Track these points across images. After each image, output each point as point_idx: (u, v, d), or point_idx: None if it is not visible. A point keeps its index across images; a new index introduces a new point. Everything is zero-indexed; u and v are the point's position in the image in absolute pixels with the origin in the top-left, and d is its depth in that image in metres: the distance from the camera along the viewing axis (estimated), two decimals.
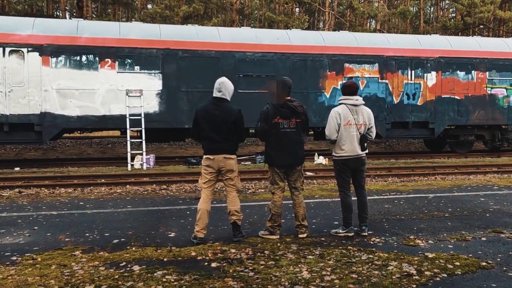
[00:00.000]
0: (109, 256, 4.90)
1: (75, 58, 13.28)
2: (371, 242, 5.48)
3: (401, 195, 8.68)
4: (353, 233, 5.77)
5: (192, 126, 5.61)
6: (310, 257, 4.87)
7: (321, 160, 14.56)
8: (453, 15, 41.46)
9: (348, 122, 5.71)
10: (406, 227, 6.24)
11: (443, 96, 16.27)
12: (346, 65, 15.38)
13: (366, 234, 5.76)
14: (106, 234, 5.88)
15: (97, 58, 13.41)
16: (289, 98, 5.55)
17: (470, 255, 4.98)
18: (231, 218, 5.56)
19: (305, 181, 5.87)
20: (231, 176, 5.53)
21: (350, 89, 5.84)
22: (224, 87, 5.48)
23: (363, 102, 5.86)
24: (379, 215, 7.00)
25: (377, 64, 15.64)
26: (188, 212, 7.17)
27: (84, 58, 13.36)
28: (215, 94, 5.51)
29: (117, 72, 13.53)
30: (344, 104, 5.78)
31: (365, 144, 5.83)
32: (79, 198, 8.48)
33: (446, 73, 16.25)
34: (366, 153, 5.90)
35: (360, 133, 5.75)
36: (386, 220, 6.67)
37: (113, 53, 13.47)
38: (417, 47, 16.12)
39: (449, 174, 11.60)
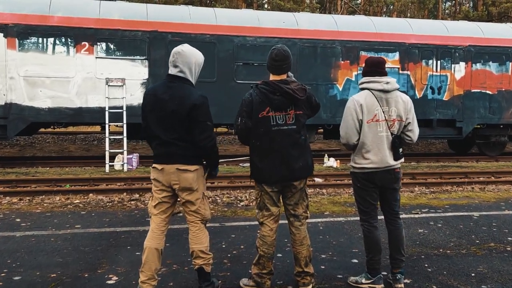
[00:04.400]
0: None
1: (47, 40, 11.42)
2: None
3: (436, 213, 6.71)
4: (382, 285, 3.82)
5: (142, 119, 3.63)
6: None
7: (331, 162, 12.58)
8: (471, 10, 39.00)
9: (375, 117, 3.76)
10: (457, 270, 4.27)
11: (472, 91, 14.18)
12: (362, 53, 13.34)
13: (402, 286, 3.81)
14: (16, 278, 4.00)
15: (72, 41, 11.53)
16: (284, 77, 3.61)
17: None
18: (196, 263, 3.63)
19: (309, 202, 3.89)
20: (190, 199, 3.55)
21: (376, 66, 3.88)
22: (181, 59, 3.50)
23: (397, 86, 3.90)
24: (414, 246, 5.04)
25: (397, 53, 13.60)
26: None
27: (57, 40, 11.50)
28: (170, 70, 3.59)
29: (96, 57, 11.63)
30: (369, 89, 3.83)
31: (400, 150, 3.86)
32: (21, 211, 6.61)
33: (477, 64, 14.15)
34: (401, 163, 3.95)
35: (392, 134, 3.80)
36: (426, 256, 4.71)
37: (91, 35, 11.58)
38: (444, 34, 14.04)
39: (487, 184, 9.57)
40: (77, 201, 7.37)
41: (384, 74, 3.89)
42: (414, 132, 3.90)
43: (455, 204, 7.43)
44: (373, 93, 3.80)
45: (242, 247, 5.01)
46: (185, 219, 3.70)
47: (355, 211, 6.74)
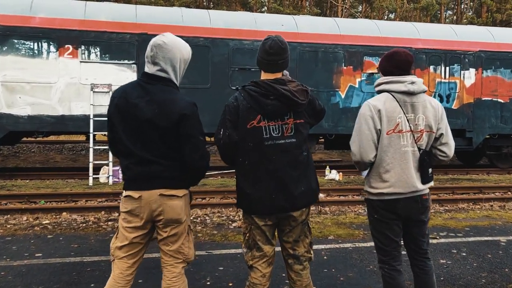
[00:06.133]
0: None
1: (27, 43, 10.59)
2: None
3: (457, 238, 5.83)
4: None
5: (108, 130, 2.75)
6: None
7: (333, 175, 11.72)
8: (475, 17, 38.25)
9: (397, 126, 2.91)
10: None
11: (483, 99, 13.36)
12: (366, 58, 12.54)
13: None
14: None
15: (55, 44, 10.71)
16: (280, 76, 2.76)
17: None
18: None
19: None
20: (175, 232, 2.70)
21: (397, 62, 3.02)
22: (163, 54, 2.63)
23: (425, 88, 3.05)
24: (439, 284, 4.15)
25: None
26: None
27: (38, 43, 10.67)
28: (147, 67, 2.70)
29: (80, 61, 10.82)
30: (388, 92, 2.98)
31: (430, 171, 3.01)
32: None
33: (488, 70, 13.34)
34: (430, 188, 3.09)
35: (420, 149, 2.95)
36: None
37: (75, 37, 10.77)
38: (453, 38, 13.25)
39: (507, 200, 8.69)
40: (47, 221, 6.49)
41: (409, 72, 3.04)
42: (450, 145, 3.04)
43: (476, 226, 6.56)
44: (394, 96, 2.95)
45: (230, 284, 4.15)
46: (161, 260, 2.83)
47: (364, 234, 5.91)
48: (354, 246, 5.43)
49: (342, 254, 5.11)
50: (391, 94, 2.97)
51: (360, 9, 32.01)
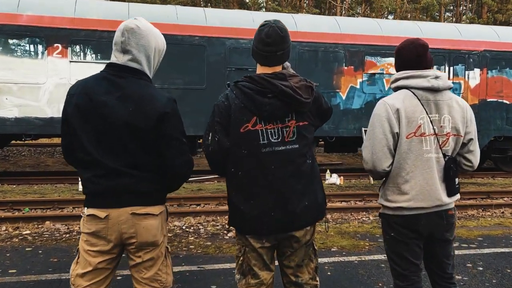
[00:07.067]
0: None
1: (14, 42, 10.11)
2: None
3: (471, 249, 5.39)
4: None
5: (64, 134, 2.28)
6: None
7: (334, 179, 11.26)
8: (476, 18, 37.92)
9: (419, 129, 2.47)
10: None
11: (488, 100, 12.92)
12: (368, 58, 12.10)
13: None
14: None
15: (43, 43, 10.23)
16: (279, 70, 2.32)
17: None
18: None
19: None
20: (151, 257, 2.24)
21: (403, 60, 2.59)
22: (136, 40, 2.17)
23: (450, 85, 2.60)
24: None
25: None
26: None
27: (26, 42, 10.19)
28: (115, 57, 2.22)
29: (70, 61, 10.33)
30: (408, 88, 2.53)
31: (456, 181, 2.57)
32: None
33: (493, 70, 12.90)
34: (456, 201, 2.66)
35: (445, 155, 2.51)
36: None
37: (65, 36, 10.29)
38: (457, 37, 12.81)
39: None
40: (28, 231, 6.02)
41: (430, 65, 2.61)
42: (476, 154, 2.61)
43: (489, 235, 6.12)
44: (414, 94, 2.51)
45: None
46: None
47: (369, 246, 5.47)
48: (359, 259, 4.98)
49: (348, 268, 4.67)
50: (411, 91, 2.53)
51: (359, 10, 31.64)
